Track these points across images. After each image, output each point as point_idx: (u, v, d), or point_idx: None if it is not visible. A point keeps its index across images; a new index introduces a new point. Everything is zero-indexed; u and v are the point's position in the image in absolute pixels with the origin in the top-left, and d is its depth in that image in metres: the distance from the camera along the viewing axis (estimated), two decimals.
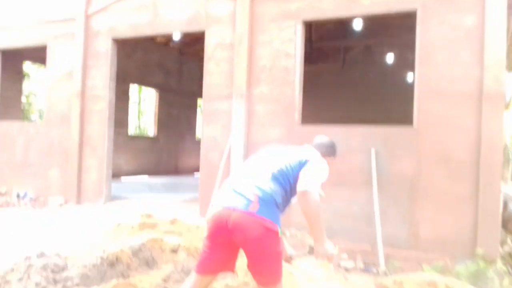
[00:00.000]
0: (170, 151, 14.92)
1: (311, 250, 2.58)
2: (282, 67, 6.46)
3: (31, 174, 8.68)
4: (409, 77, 14.13)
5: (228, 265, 2.55)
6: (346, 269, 5.15)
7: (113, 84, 8.04)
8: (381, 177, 5.67)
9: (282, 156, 2.63)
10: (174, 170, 15.00)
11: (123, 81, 11.20)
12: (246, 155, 6.49)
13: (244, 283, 3.56)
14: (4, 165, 9.04)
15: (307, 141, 6.27)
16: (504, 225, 9.31)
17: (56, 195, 8.23)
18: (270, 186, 2.44)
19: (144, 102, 21.77)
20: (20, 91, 11.14)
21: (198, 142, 15.61)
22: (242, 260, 2.73)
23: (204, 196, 6.71)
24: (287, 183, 2.49)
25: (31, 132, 8.85)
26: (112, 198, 8.06)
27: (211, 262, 2.48)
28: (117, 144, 8.18)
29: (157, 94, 14.51)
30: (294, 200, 2.57)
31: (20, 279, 3.13)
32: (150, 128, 17.93)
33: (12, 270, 3.24)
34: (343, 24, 12.10)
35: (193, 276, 2.54)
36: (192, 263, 3.54)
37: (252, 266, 2.43)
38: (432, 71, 5.51)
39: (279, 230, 2.39)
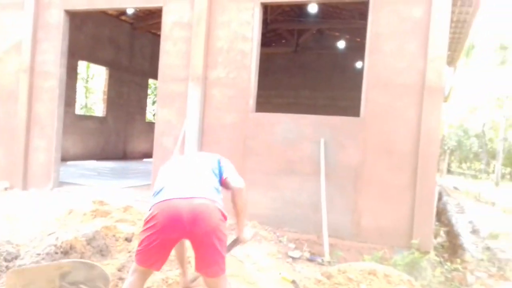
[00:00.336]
0: (119, 133, 14.43)
1: (236, 241, 2.86)
2: (239, 50, 6.42)
3: None
4: (359, 64, 14.47)
5: (163, 261, 2.46)
6: (293, 259, 5.29)
7: (65, 60, 7.63)
8: (329, 166, 5.82)
9: (204, 158, 2.79)
10: (123, 154, 14.54)
11: (72, 56, 10.67)
12: (201, 140, 6.44)
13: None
14: None
15: (260, 128, 6.35)
16: (438, 216, 9.93)
17: (0, 180, 7.80)
18: (213, 178, 2.58)
19: (92, 79, 20.88)
20: None
21: (148, 125, 15.38)
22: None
23: None
24: (219, 181, 2.66)
25: None
26: (60, 183, 7.74)
27: (157, 255, 2.39)
28: (64, 124, 7.81)
29: (107, 71, 13.92)
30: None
31: None
32: (98, 108, 17.25)
33: None
34: (298, 6, 12.16)
35: (136, 270, 2.44)
36: None
37: (206, 258, 2.40)
38: (380, 61, 5.68)
39: None
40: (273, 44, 16.65)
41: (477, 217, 10.24)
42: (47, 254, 3.20)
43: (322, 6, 11.06)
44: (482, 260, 6.53)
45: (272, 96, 16.01)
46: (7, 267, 3.09)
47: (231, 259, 3.83)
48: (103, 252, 3.63)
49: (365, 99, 5.78)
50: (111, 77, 13.88)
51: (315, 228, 5.72)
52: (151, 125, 14.80)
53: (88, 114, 18.48)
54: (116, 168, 11.29)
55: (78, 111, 16.34)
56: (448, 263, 5.63)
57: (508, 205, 13.30)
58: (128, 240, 3.93)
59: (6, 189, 7.55)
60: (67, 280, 2.58)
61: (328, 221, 5.54)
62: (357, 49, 12.31)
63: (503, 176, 24.45)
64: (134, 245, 3.89)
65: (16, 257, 3.22)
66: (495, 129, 23.31)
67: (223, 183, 2.67)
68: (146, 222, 2.37)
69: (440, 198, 12.47)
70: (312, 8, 10.77)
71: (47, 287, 2.55)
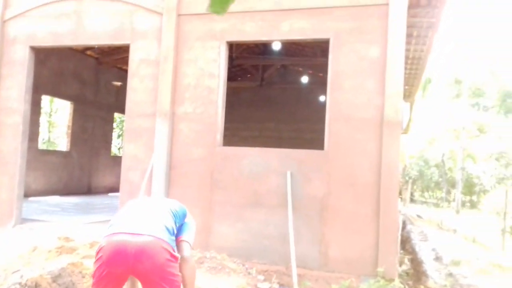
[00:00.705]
0: (83, 167, 14.13)
1: None
2: (206, 87, 6.59)
3: None
4: (322, 98, 14.96)
5: None
6: None
7: (29, 96, 7.55)
8: (295, 198, 5.96)
9: (164, 201, 2.89)
10: (87, 189, 14.21)
11: (35, 91, 10.53)
12: (169, 174, 6.47)
13: None
14: None
15: (227, 162, 6.46)
16: (403, 245, 10.22)
17: None
18: (168, 218, 2.62)
19: (56, 113, 20.54)
20: None
21: (113, 159, 15.19)
22: None
23: None
24: (175, 223, 2.68)
25: None
26: (22, 220, 7.50)
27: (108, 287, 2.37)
28: (26, 159, 7.65)
29: (72, 106, 13.77)
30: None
31: None
32: (62, 142, 16.91)
33: None
34: (262, 43, 12.58)
35: None
36: None
37: None
38: (341, 97, 5.97)
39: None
40: (239, 79, 17.02)
41: (440, 245, 10.58)
42: None
43: (285, 44, 11.51)
44: (445, 286, 6.75)
45: (239, 129, 16.21)
46: None
47: None
48: None
49: (328, 133, 6.02)
50: (75, 112, 13.73)
51: (284, 259, 5.79)
52: (116, 159, 14.61)
53: (51, 148, 18.07)
54: (80, 203, 11.03)
55: (41, 145, 15.98)
56: None
57: (469, 232, 13.81)
58: None
59: None
60: None
61: (296, 252, 5.63)
62: (320, 83, 12.78)
63: (463, 204, 25.38)
64: None
65: None
66: (453, 159, 24.35)
67: (177, 242, 2.70)
68: (96, 253, 2.39)
69: (404, 227, 12.82)
70: (276, 46, 11.19)
71: None
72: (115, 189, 13.55)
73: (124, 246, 2.28)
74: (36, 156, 12.00)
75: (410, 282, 6.88)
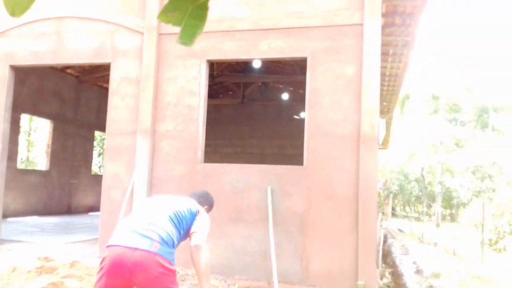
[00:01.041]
0: (63, 187, 13.95)
1: None
2: (186, 105, 6.66)
3: None
4: (303, 114, 15.19)
5: None
6: None
7: (9, 115, 7.49)
8: (276, 213, 6.02)
9: (175, 203, 2.86)
10: (67, 208, 14.00)
11: (14, 109, 10.43)
12: (150, 192, 6.48)
13: None
14: None
15: (208, 178, 6.51)
16: (384, 258, 10.35)
17: None
18: (169, 228, 2.62)
19: (35, 132, 20.29)
20: None
21: (94, 178, 15.05)
22: None
23: (104, 236, 6.49)
24: (182, 227, 2.72)
25: None
26: (1, 241, 7.35)
27: None
28: (5, 179, 7.56)
29: (52, 124, 13.65)
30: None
31: None
32: (41, 161, 16.69)
33: None
34: (243, 61, 12.77)
35: None
36: None
37: None
38: (319, 114, 6.11)
39: (177, 269, 2.58)
40: (220, 96, 17.16)
41: (421, 258, 10.72)
42: None
43: (265, 62, 11.71)
44: None
45: (221, 146, 16.28)
46: None
47: None
48: None
49: (307, 149, 6.14)
50: (55, 130, 13.61)
51: (266, 275, 5.82)
52: (97, 177, 14.48)
53: (30, 168, 17.79)
54: (60, 223, 10.87)
55: (20, 165, 15.73)
56: None
57: (449, 245, 14.05)
58: None
59: None
60: None
61: (277, 267, 5.66)
62: (301, 100, 12.95)
63: (443, 218, 25.77)
64: None
65: None
66: (432, 173, 24.80)
67: (189, 235, 2.75)
68: (100, 263, 2.52)
69: (385, 241, 12.95)
70: (256, 64, 11.38)
71: None
72: (95, 208, 13.40)
73: (121, 260, 2.41)
74: (15, 175, 11.81)
75: None
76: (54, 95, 13.37)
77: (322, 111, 6.12)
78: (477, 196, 20.07)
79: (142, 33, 6.83)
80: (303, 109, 6.50)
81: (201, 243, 2.65)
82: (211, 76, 13.37)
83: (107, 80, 7.24)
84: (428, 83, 29.62)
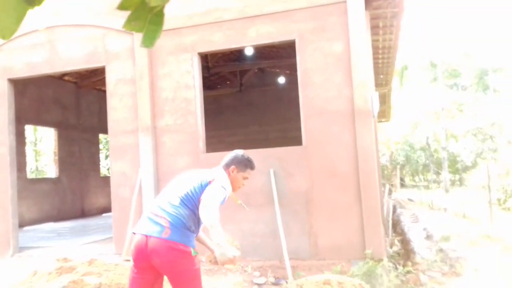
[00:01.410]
0: (74, 191, 14.23)
1: (213, 260, 2.86)
2: (183, 98, 6.81)
3: None
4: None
5: (155, 287, 2.82)
6: (259, 285, 5.58)
7: (13, 128, 7.71)
8: (281, 194, 6.20)
9: (189, 181, 2.93)
10: (81, 212, 14.29)
11: (18, 121, 10.66)
12: (157, 187, 6.68)
13: None
14: None
15: (211, 168, 6.67)
16: (394, 228, 10.55)
17: None
18: (179, 211, 2.76)
19: (41, 141, 20.56)
20: None
21: (103, 179, 15.30)
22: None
23: (118, 233, 6.74)
24: (194, 205, 2.79)
25: None
26: (20, 249, 7.63)
27: (140, 285, 2.75)
28: (17, 190, 7.80)
29: (56, 132, 13.88)
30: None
31: None
32: (50, 169, 16.96)
33: None
34: (236, 50, 12.84)
35: None
36: None
37: (174, 287, 2.74)
38: (313, 93, 6.24)
39: (192, 250, 2.72)
40: (219, 86, 17.25)
41: (431, 224, 10.92)
42: None
43: (259, 48, 11.78)
44: (435, 261, 7.05)
45: (224, 135, 16.42)
46: None
47: None
48: None
49: (304, 129, 6.29)
50: (60, 137, 13.84)
51: (277, 254, 6.03)
52: (106, 179, 14.70)
53: (40, 177, 18.10)
54: (75, 227, 11.16)
55: (30, 175, 16.02)
56: (401, 267, 6.08)
57: (458, 209, 14.19)
58: None
59: None
60: None
61: (287, 246, 5.87)
62: (297, 82, 13.08)
63: (452, 183, 25.88)
64: None
65: None
66: (437, 141, 24.83)
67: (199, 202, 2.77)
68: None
69: (394, 211, 13.16)
70: (249, 51, 11.45)
71: None
72: (108, 209, 13.65)
73: (140, 247, 2.70)
74: (26, 185, 12.08)
75: (401, 261, 7.17)
76: (55, 103, 13.56)
77: (315, 90, 6.24)
78: (480, 158, 20.12)
79: (132, 34, 6.96)
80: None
81: (207, 204, 2.64)
82: (207, 68, 13.48)
83: (104, 83, 7.41)
84: (426, 51, 29.48)
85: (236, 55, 14.58)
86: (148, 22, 0.95)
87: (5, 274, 5.84)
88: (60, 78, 13.48)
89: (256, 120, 16.73)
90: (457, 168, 24.56)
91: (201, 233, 3.07)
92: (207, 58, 13.24)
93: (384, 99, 16.55)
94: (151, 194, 6.54)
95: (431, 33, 29.63)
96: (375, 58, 11.56)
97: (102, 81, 11.54)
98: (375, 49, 10.79)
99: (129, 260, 3.62)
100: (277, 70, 16.40)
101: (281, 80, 16.23)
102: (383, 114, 18.47)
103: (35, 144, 20.35)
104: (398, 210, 13.60)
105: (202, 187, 2.84)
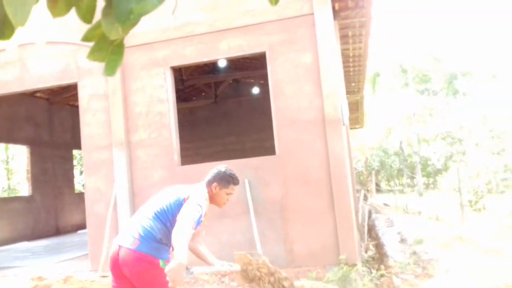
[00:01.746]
0: (48, 209, 13.92)
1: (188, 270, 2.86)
2: (157, 112, 6.86)
3: None
4: None
5: None
6: None
7: None
8: (256, 203, 6.30)
9: (167, 196, 3.01)
10: (55, 230, 13.98)
11: None
12: (133, 202, 6.68)
13: None
14: None
15: (188, 180, 6.71)
16: (369, 233, 10.76)
17: None
18: (151, 224, 2.84)
19: (13, 159, 20.12)
20: None
21: (78, 196, 15.08)
22: None
23: (94, 249, 6.68)
24: (167, 220, 2.85)
25: None
26: None
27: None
28: None
29: (28, 149, 13.64)
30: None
31: None
32: (23, 187, 16.61)
33: None
34: (210, 62, 12.95)
35: None
36: None
37: None
38: (284, 103, 6.39)
39: (161, 262, 2.76)
40: (194, 98, 17.29)
41: (405, 227, 11.17)
42: None
43: (232, 59, 11.93)
44: (408, 264, 7.23)
45: (201, 147, 16.44)
46: None
47: None
48: None
49: (277, 138, 6.42)
50: (33, 155, 13.59)
51: None
52: (81, 196, 14.48)
53: (12, 195, 17.69)
54: (50, 245, 10.96)
55: (2, 194, 15.64)
56: (375, 271, 6.23)
57: (432, 212, 14.57)
58: None
59: None
60: None
61: (264, 254, 5.90)
62: None
63: (426, 186, 26.48)
64: None
65: None
66: (410, 145, 25.42)
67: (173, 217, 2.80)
68: None
69: (370, 216, 13.41)
70: (222, 63, 11.58)
71: None
72: (83, 226, 13.40)
73: (114, 257, 2.80)
74: None
75: (376, 265, 7.34)
76: (27, 120, 13.34)
77: (286, 100, 6.39)
78: (450, 161, 20.70)
79: None
80: None
81: (178, 226, 2.61)
82: (181, 80, 13.53)
83: (77, 99, 7.38)
84: (397, 57, 30.22)
85: (210, 67, 14.68)
86: (109, 53, 1.04)
87: None
88: (31, 95, 13.30)
89: (232, 130, 16.81)
90: (429, 172, 25.16)
91: (201, 249, 3.19)
92: (181, 71, 13.29)
93: (357, 106, 16.90)
94: (127, 209, 6.53)
95: (401, 39, 30.40)
96: (346, 67, 11.84)
97: (75, 97, 11.44)
98: (346, 57, 11.06)
99: (105, 276, 3.68)
100: (251, 81, 16.57)
101: (256, 90, 16.41)
102: (357, 120, 18.83)
103: (7, 163, 19.89)
104: (374, 215, 13.86)
105: (178, 203, 2.88)
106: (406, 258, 7.70)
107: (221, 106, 16.83)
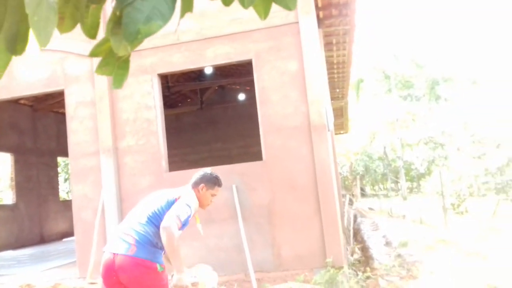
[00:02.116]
0: (32, 217, 13.75)
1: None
2: (144, 119, 6.91)
3: None
4: None
5: None
6: None
7: None
8: (244, 208, 6.37)
9: (157, 200, 3.12)
10: (40, 238, 13.81)
11: None
12: (121, 208, 6.70)
13: None
14: None
15: (176, 186, 6.79)
16: (355, 237, 10.92)
17: None
18: (145, 229, 2.93)
19: None
20: None
21: (63, 204, 14.95)
22: None
23: (82, 257, 6.67)
24: (160, 223, 2.91)
25: None
26: None
27: None
28: None
29: (12, 157, 13.49)
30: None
31: None
32: (7, 195, 16.39)
33: None
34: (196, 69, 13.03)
35: None
36: None
37: None
38: (271, 110, 6.51)
39: (158, 266, 2.87)
40: (179, 104, 17.32)
41: (390, 231, 11.36)
42: None
43: (218, 66, 12.03)
44: (393, 266, 7.38)
45: (187, 153, 16.45)
46: None
47: None
48: None
49: (264, 144, 6.53)
50: (17, 163, 13.44)
51: (242, 268, 6.17)
52: (66, 203, 14.39)
53: None
54: (35, 253, 10.85)
55: None
56: (361, 274, 6.36)
57: (416, 216, 14.82)
58: None
59: None
60: None
61: (252, 259, 6.03)
62: None
63: (410, 190, 26.87)
64: None
65: None
66: (394, 150, 25.81)
67: None
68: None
69: (355, 220, 13.60)
70: (208, 70, 11.67)
71: None
72: (69, 233, 13.37)
73: (108, 264, 2.83)
74: None
75: (362, 268, 7.47)
76: (10, 128, 13.21)
77: (273, 107, 6.51)
78: (433, 165, 21.09)
79: (91, 58, 7.01)
80: None
81: (167, 225, 2.76)
82: (167, 87, 13.57)
83: (62, 106, 7.40)
84: (380, 64, 30.69)
85: (197, 73, 14.76)
86: (116, 67, 1.13)
87: None
88: (15, 102, 13.17)
89: (219, 137, 16.87)
90: (413, 176, 25.54)
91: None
92: (167, 78, 13.33)
93: (341, 112, 17.14)
94: (115, 216, 6.55)
95: (384, 45, 30.93)
96: (331, 73, 12.05)
97: (60, 104, 11.41)
98: (330, 64, 11.27)
99: (94, 283, 3.73)
100: (237, 87, 16.69)
101: (241, 96, 16.52)
102: (341, 126, 19.08)
103: None
104: (359, 219, 14.04)
105: (169, 205, 3.01)
106: (391, 260, 7.85)
107: (207, 112, 16.89)
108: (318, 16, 7.19)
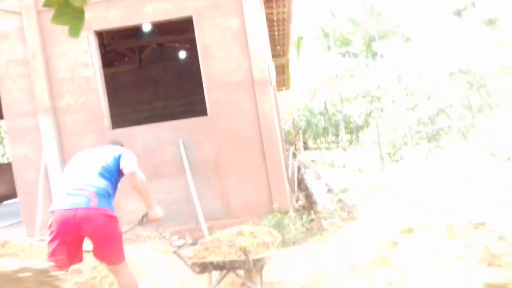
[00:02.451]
0: None
1: (145, 216, 3.24)
2: (82, 77, 6.71)
3: None
4: None
5: (78, 256, 3.04)
6: (178, 247, 5.90)
7: None
8: (191, 163, 6.52)
9: (101, 156, 3.26)
10: None
11: None
12: (64, 167, 6.58)
13: (92, 277, 3.96)
14: None
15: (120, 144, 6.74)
16: (299, 186, 11.43)
17: None
18: (101, 182, 3.06)
19: None
20: None
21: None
22: (87, 257, 3.23)
23: (27, 216, 6.58)
24: (112, 176, 3.16)
25: None
26: None
27: (66, 256, 2.91)
28: None
29: None
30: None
31: None
32: None
33: None
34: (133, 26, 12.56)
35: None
36: None
37: (101, 251, 3.01)
38: (213, 66, 6.56)
39: (117, 216, 3.06)
40: (116, 64, 16.70)
41: (331, 179, 11.99)
42: None
43: (157, 24, 11.68)
44: (335, 209, 7.88)
45: (128, 113, 16.05)
46: None
47: None
48: None
49: (208, 100, 6.60)
50: None
51: (192, 217, 6.38)
52: (2, 166, 13.76)
53: None
54: None
55: None
56: (305, 217, 6.78)
57: (355, 165, 15.64)
58: None
59: None
60: None
61: (202, 209, 6.24)
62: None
63: (350, 142, 28.09)
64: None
65: None
66: (334, 105, 26.60)
67: (121, 172, 3.19)
68: (49, 227, 2.96)
69: (299, 171, 14.16)
70: (146, 27, 11.31)
71: None
72: (9, 196, 12.91)
73: (66, 219, 2.87)
74: None
75: (306, 213, 7.94)
76: None
77: (215, 64, 6.55)
78: (369, 118, 22.12)
79: (20, 13, 6.63)
80: None
81: (132, 169, 3.08)
82: (103, 45, 13.01)
83: None
84: (319, 22, 31.01)
85: (134, 31, 14.22)
86: (72, 17, 1.18)
87: None
88: None
89: (159, 95, 16.56)
90: (352, 129, 26.64)
91: None
92: (102, 35, 12.77)
93: (283, 69, 17.34)
94: (58, 174, 6.44)
95: (323, 3, 31.16)
96: (271, 31, 12.09)
97: None
98: (270, 21, 11.29)
99: (43, 240, 3.75)
100: (177, 45, 16.30)
101: (182, 54, 16.19)
102: (283, 83, 19.34)
103: None
104: (302, 170, 14.64)
105: (116, 159, 3.22)
106: (333, 205, 8.38)
107: (146, 71, 16.44)
108: None
